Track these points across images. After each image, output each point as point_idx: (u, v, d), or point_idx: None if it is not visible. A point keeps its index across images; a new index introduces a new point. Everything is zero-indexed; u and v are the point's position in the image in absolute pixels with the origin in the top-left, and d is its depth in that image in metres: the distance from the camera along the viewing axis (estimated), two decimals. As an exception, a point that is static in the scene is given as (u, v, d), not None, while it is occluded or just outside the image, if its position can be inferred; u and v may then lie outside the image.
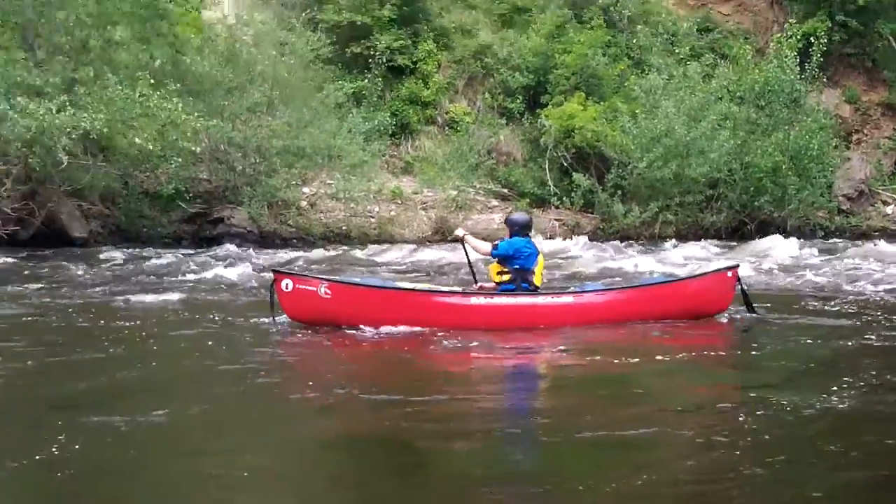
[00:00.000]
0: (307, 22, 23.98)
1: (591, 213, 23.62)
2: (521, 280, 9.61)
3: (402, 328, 9.34)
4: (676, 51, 26.41)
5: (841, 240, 22.06)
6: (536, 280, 9.74)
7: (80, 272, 14.54)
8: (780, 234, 21.14)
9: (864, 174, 26.02)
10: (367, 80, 24.30)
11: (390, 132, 24.39)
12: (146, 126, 18.51)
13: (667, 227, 22.78)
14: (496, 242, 9.77)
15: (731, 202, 23.52)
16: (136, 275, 14.48)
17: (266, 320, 9.48)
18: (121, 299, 11.61)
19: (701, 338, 9.62)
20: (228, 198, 21.23)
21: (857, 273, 14.82)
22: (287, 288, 9.49)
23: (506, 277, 9.58)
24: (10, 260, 15.97)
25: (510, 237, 9.74)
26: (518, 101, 25.90)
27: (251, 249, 18.77)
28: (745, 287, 10.09)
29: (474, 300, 9.69)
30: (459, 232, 10.45)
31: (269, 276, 10.09)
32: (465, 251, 10.39)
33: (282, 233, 21.28)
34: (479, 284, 10.22)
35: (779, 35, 25.73)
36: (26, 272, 14.56)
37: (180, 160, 19.41)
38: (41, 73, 18.53)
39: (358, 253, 19.04)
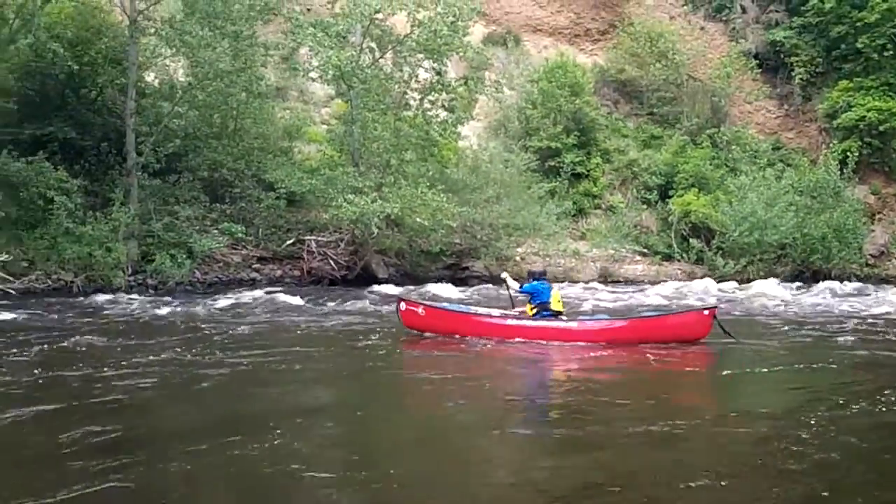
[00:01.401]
0: (522, 147, 29.81)
1: (702, 264, 28.15)
2: (542, 310, 10.63)
3: (467, 337, 10.56)
4: (758, 161, 31.34)
5: (868, 284, 25.05)
6: (554, 306, 10.63)
7: (380, 298, 17.81)
8: (825, 280, 24.31)
9: (884, 240, 30.63)
10: (558, 182, 29.64)
11: (572, 214, 29.29)
12: (423, 211, 21.85)
13: (752, 274, 26.72)
14: (523, 285, 10.99)
15: (793, 258, 28.14)
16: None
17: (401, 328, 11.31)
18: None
19: (681, 354, 9.89)
20: (472, 254, 25.18)
21: (873, 304, 16.89)
22: (402, 308, 10.93)
23: (534, 311, 10.72)
24: (342, 291, 19.44)
25: (530, 281, 11.00)
26: (654, 193, 30.96)
27: (483, 285, 22.00)
28: (721, 321, 10.33)
29: (509, 321, 10.80)
30: (504, 275, 11.50)
31: (395, 301, 11.83)
32: (507, 288, 11.39)
33: (504, 276, 25.36)
34: (517, 310, 11.01)
35: (826, 151, 31.11)
36: (351, 298, 17.60)
37: (443, 231, 22.88)
38: (362, 180, 22.14)
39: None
